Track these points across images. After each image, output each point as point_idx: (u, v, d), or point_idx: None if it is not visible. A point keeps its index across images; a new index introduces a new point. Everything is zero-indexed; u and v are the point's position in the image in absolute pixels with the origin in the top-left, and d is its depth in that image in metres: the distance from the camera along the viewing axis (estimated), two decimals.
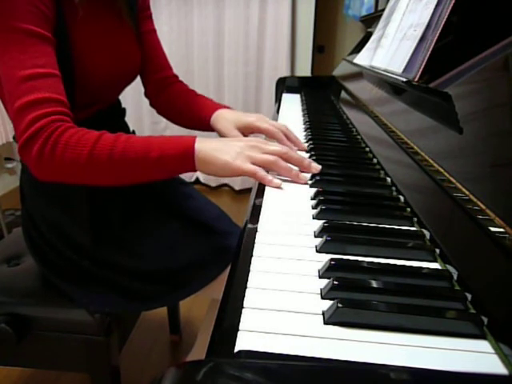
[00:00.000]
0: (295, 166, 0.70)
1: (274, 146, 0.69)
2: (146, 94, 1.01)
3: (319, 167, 0.71)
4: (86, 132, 0.66)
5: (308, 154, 0.82)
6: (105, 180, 0.69)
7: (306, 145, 0.89)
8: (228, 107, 0.94)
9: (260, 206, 0.58)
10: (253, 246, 0.48)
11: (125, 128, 0.97)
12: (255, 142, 0.70)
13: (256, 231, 0.51)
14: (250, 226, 0.53)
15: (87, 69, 0.76)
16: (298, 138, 0.87)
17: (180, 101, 0.98)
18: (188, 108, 0.96)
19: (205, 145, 0.67)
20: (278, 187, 0.65)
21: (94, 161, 0.65)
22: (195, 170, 0.68)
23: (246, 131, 0.87)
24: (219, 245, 0.86)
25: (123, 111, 0.96)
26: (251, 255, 0.46)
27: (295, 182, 0.68)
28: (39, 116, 0.64)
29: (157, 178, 0.70)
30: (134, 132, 0.99)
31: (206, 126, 0.93)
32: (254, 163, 0.66)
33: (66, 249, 0.79)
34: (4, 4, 0.63)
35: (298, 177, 0.68)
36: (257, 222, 0.54)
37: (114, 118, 0.93)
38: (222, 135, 0.88)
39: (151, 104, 1.03)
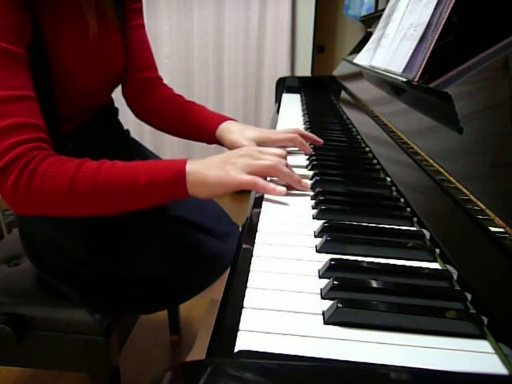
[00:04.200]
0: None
1: (269, 154, 0.64)
2: (124, 94, 0.92)
3: (308, 186, 0.65)
4: (66, 160, 0.60)
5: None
6: (89, 211, 0.63)
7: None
8: (231, 119, 0.88)
9: (260, 206, 0.58)
10: (253, 246, 0.48)
11: (118, 127, 0.93)
12: (246, 150, 0.64)
13: (256, 231, 0.51)
14: (249, 226, 0.53)
15: (68, 79, 0.70)
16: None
17: (169, 108, 0.90)
18: (183, 117, 0.89)
19: (196, 166, 0.61)
20: (281, 194, 0.61)
21: (75, 190, 0.59)
22: (188, 196, 0.62)
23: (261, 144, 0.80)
24: (219, 245, 0.85)
25: (116, 110, 0.92)
26: (251, 255, 0.46)
27: (296, 189, 0.64)
28: (13, 144, 0.57)
29: (146, 206, 0.64)
30: (128, 131, 0.95)
31: (211, 139, 0.87)
32: (250, 173, 0.61)
33: (62, 258, 0.78)
34: None
35: (300, 183, 0.64)
36: (257, 222, 0.54)
37: (108, 118, 0.89)
38: (230, 148, 0.81)
39: (128, 105, 0.93)
